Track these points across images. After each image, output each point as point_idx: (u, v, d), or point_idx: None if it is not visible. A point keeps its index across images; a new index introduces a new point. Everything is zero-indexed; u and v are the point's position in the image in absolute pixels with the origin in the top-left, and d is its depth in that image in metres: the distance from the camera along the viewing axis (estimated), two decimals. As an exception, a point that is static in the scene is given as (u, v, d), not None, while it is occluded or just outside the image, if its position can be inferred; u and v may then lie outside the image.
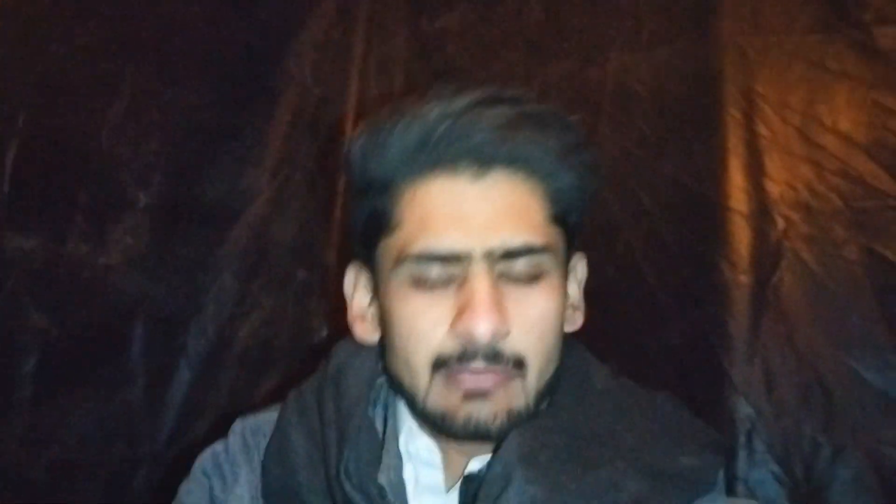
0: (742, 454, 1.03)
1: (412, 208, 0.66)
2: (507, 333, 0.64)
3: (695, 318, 1.11)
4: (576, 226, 0.71)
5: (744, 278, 1.09)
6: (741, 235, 1.11)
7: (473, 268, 0.64)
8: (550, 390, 0.68)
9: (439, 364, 0.65)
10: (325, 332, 1.52)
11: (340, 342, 0.77)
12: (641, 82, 1.26)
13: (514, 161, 0.65)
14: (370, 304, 0.73)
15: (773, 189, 1.10)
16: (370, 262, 0.72)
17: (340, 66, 1.65)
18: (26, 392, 1.22)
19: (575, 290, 0.74)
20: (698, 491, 0.63)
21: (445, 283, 0.66)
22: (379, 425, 0.72)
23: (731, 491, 0.99)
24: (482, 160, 0.65)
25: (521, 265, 0.66)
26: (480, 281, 0.64)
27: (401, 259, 0.66)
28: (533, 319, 0.65)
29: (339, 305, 1.52)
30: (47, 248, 1.26)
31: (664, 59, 1.24)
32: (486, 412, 0.64)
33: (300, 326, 1.51)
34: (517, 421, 0.65)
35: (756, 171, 1.12)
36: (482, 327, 0.63)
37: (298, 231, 1.54)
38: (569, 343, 0.72)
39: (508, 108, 0.65)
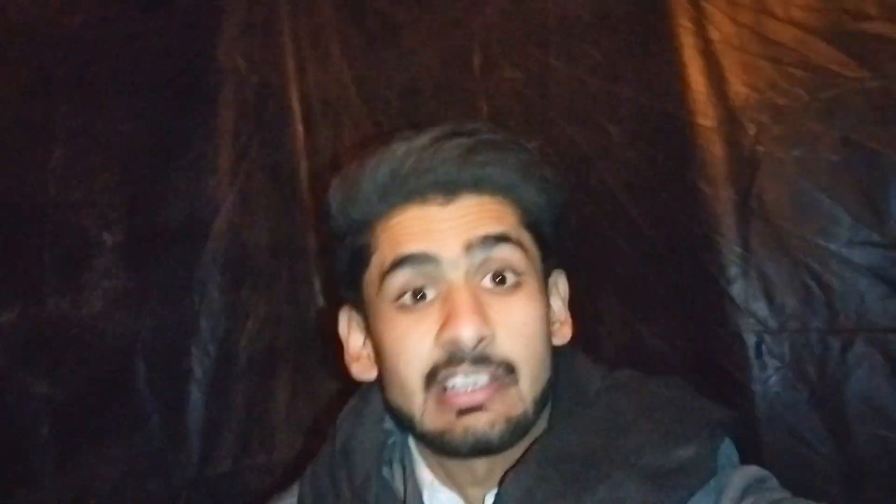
0: (755, 367, 1.04)
1: (386, 235, 0.70)
2: (493, 337, 0.66)
3: (684, 242, 1.10)
4: (550, 239, 0.73)
5: (724, 192, 1.07)
6: (714, 149, 1.08)
7: (453, 273, 0.67)
8: (545, 399, 0.69)
9: (431, 378, 0.66)
10: (322, 324, 1.52)
11: (342, 413, 0.77)
12: (583, 6, 1.21)
13: (478, 183, 0.69)
14: (364, 344, 0.75)
15: (737, 94, 1.07)
16: (358, 302, 0.74)
17: (272, 47, 1.58)
18: (48, 458, 1.23)
19: (559, 305, 0.77)
20: (698, 482, 0.64)
21: (428, 301, 0.67)
22: (399, 484, 0.73)
23: (749, 432, 1.01)
24: (448, 187, 0.69)
25: (499, 257, 0.67)
26: (460, 289, 0.66)
27: (382, 278, 0.69)
28: (517, 324, 0.67)
29: (329, 290, 1.53)
30: (28, 315, 1.24)
31: (601, -25, 1.19)
32: (484, 422, 0.65)
33: (298, 321, 1.50)
34: (516, 429, 0.66)
35: (716, 80, 1.08)
36: (467, 331, 0.64)
37: (271, 228, 1.51)
38: (559, 354, 0.73)
39: (467, 138, 0.69)
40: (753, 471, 0.66)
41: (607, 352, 1.15)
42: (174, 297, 1.39)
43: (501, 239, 0.68)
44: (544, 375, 0.69)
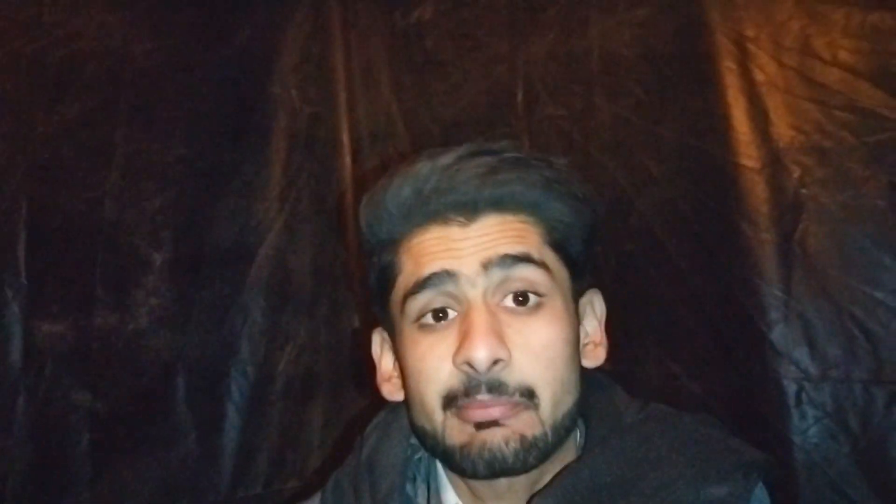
0: (794, 416, 1.01)
1: (409, 255, 0.70)
2: (508, 360, 0.65)
3: (724, 284, 1.08)
4: (580, 258, 0.71)
5: (767, 235, 1.05)
6: (757, 190, 1.07)
7: (471, 292, 0.66)
8: (570, 424, 0.68)
9: (449, 401, 0.66)
10: (361, 349, 1.53)
11: (371, 425, 0.78)
12: (627, 45, 1.21)
13: (499, 202, 0.68)
14: (394, 365, 0.75)
15: (782, 136, 1.06)
16: (387, 322, 0.75)
17: (325, 79, 1.63)
18: (86, 469, 1.25)
19: (594, 325, 0.75)
20: None
21: (450, 317, 0.68)
22: (422, 501, 0.73)
23: (786, 482, 0.97)
24: (469, 207, 0.68)
25: (520, 277, 0.67)
26: (476, 309, 0.66)
27: (405, 300, 0.69)
28: (536, 347, 0.66)
29: (369, 319, 1.55)
30: (76, 328, 1.28)
31: (646, 17, 1.20)
32: (499, 437, 0.65)
33: (336, 348, 1.52)
34: (532, 449, 0.65)
35: (761, 121, 1.07)
36: (480, 353, 0.64)
37: (315, 254, 1.55)
38: (593, 378, 0.72)
39: (490, 157, 0.69)
40: None
41: (642, 393, 1.12)
42: (217, 318, 1.42)
43: (522, 259, 0.67)
44: (568, 399, 0.67)
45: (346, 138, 1.63)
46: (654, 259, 1.14)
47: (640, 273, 1.16)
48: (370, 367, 0.79)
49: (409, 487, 0.72)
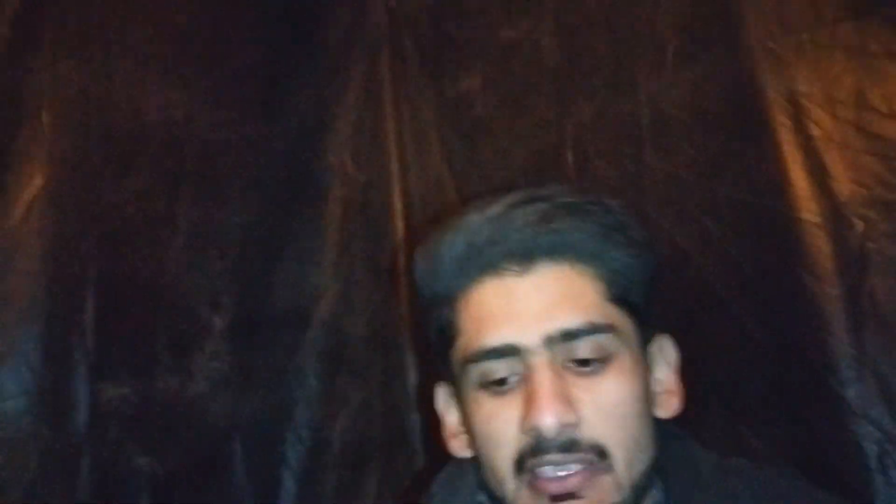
0: (878, 480, 0.96)
1: (468, 314, 0.69)
2: (578, 422, 0.63)
3: (790, 342, 1.05)
4: (643, 306, 0.69)
5: (833, 290, 1.02)
6: (820, 245, 1.04)
7: (533, 360, 0.65)
8: (647, 483, 0.66)
9: (520, 464, 0.64)
10: (414, 416, 1.52)
11: (436, 483, 0.77)
12: (677, 105, 1.22)
13: (554, 251, 0.66)
14: (460, 421, 0.74)
15: (842, 190, 1.04)
16: (450, 377, 0.73)
17: (378, 148, 1.68)
18: (145, 535, 1.26)
19: (665, 372, 0.72)
20: None
21: (512, 382, 0.66)
22: None
23: None
24: (524, 256, 0.66)
25: (584, 348, 0.65)
26: (541, 372, 0.64)
27: (465, 364, 0.68)
28: (606, 406, 0.64)
29: (423, 387, 1.54)
30: (139, 391, 1.30)
31: (696, 77, 1.21)
32: None
33: (390, 414, 1.52)
34: None
35: (819, 175, 1.06)
36: (547, 420, 0.62)
37: (369, 319, 1.56)
38: (667, 430, 0.69)
39: (543, 203, 0.67)
40: None
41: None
42: (274, 383, 1.44)
43: (585, 332, 0.65)
44: (643, 457, 0.65)
45: (398, 203, 1.67)
46: (715, 317, 1.12)
47: (701, 332, 1.13)
48: (433, 423, 0.78)
49: None
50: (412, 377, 1.55)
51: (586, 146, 1.29)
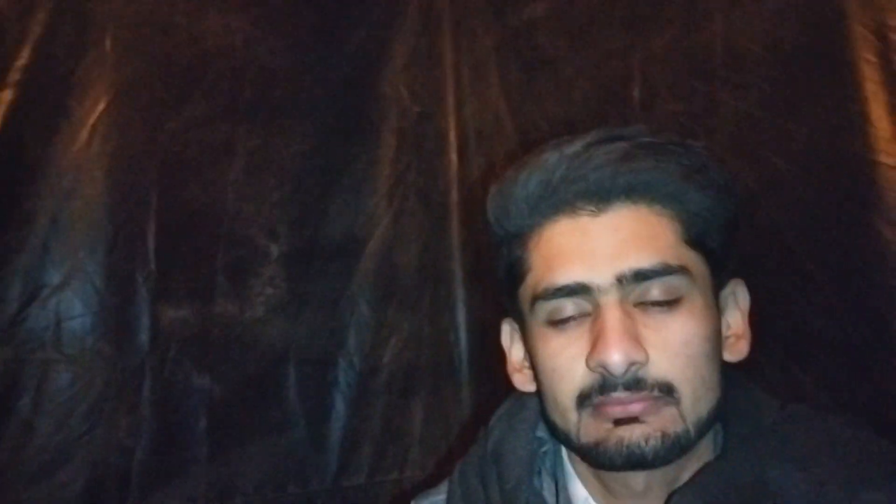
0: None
1: (539, 252, 0.68)
2: (646, 360, 0.63)
3: (859, 291, 1.01)
4: (720, 249, 0.68)
5: (909, 238, 0.98)
6: (897, 190, 1.00)
7: (603, 298, 0.64)
8: (711, 420, 0.65)
9: (583, 399, 0.65)
10: (462, 346, 1.54)
11: (495, 416, 0.77)
12: (754, 39, 1.16)
13: (632, 191, 0.65)
14: (525, 356, 0.74)
15: (928, 133, 0.98)
16: (516, 314, 0.73)
17: (434, 79, 1.65)
18: (203, 449, 1.31)
19: (736, 318, 0.71)
20: None
21: (580, 318, 0.66)
22: (549, 496, 0.71)
23: None
24: (600, 196, 0.65)
25: (656, 289, 0.64)
26: (610, 310, 0.64)
27: (534, 301, 0.68)
28: (675, 344, 0.63)
29: (470, 317, 1.55)
30: (198, 313, 1.34)
31: (775, 8, 1.14)
32: (638, 434, 0.63)
33: (438, 344, 1.54)
34: (674, 446, 0.63)
35: (904, 116, 1.00)
36: (615, 357, 0.62)
37: (421, 250, 1.56)
38: (731, 375, 0.68)
39: (623, 143, 0.66)
40: None
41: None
42: (327, 310, 1.46)
43: (658, 272, 0.64)
44: (710, 397, 0.65)
45: (453, 137, 1.65)
46: (781, 262, 1.08)
47: (766, 276, 1.10)
48: (500, 355, 0.78)
49: (535, 480, 0.71)
50: (461, 308, 1.56)
51: (654, 80, 1.24)
